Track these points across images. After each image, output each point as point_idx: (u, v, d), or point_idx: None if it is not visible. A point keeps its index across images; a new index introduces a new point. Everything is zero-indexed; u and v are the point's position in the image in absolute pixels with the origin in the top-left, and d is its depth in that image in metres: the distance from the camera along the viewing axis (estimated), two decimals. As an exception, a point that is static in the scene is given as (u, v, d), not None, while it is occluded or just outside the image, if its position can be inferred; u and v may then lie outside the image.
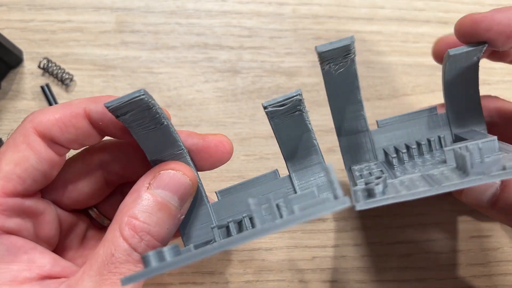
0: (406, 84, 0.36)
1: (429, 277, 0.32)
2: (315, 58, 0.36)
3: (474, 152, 0.20)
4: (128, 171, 0.25)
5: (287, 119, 0.23)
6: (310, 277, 0.31)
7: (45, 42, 0.35)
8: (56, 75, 0.34)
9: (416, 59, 0.37)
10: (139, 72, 0.35)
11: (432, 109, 0.27)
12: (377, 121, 0.27)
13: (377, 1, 0.38)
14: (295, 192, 0.25)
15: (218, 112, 0.34)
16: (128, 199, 0.21)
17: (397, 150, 0.26)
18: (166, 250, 0.17)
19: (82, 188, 0.24)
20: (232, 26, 0.36)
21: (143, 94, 0.20)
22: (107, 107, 0.20)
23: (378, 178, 0.20)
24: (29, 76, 0.34)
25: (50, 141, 0.22)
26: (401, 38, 0.37)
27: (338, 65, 0.23)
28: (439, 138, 0.26)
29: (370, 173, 0.25)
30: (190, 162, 0.23)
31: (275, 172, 0.25)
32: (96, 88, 0.34)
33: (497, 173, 0.17)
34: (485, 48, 0.23)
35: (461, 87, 0.25)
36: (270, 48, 0.36)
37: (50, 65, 0.34)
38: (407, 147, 0.26)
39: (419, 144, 0.26)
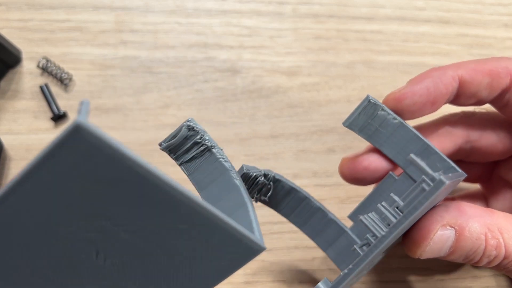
0: (406, 83, 0.36)
1: (430, 278, 0.31)
2: (315, 57, 0.36)
3: (393, 211, 0.20)
4: None
5: (199, 162, 0.20)
6: (311, 278, 0.31)
7: (44, 42, 0.35)
8: (55, 74, 0.34)
9: (417, 59, 0.36)
10: (139, 71, 0.35)
11: (389, 177, 0.24)
12: (348, 217, 0.26)
13: (378, 1, 0.37)
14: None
15: (218, 112, 0.34)
16: None
17: (366, 243, 0.24)
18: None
19: None
20: (232, 25, 0.36)
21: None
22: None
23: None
24: (28, 76, 0.34)
25: None
26: (401, 38, 0.37)
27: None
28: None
29: None
30: None
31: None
32: (95, 88, 0.34)
33: (397, 221, 0.18)
34: (370, 100, 0.23)
35: (400, 145, 0.23)
36: (270, 48, 0.36)
37: (49, 64, 0.33)
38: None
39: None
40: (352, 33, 0.37)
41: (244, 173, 0.21)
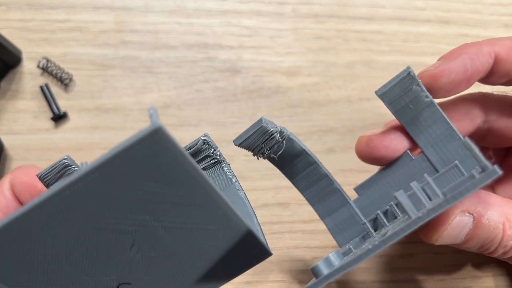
0: (406, 83, 0.36)
1: (430, 278, 0.32)
2: (315, 57, 0.36)
3: (424, 192, 0.19)
4: None
5: (208, 174, 0.21)
6: (311, 278, 0.31)
7: (44, 42, 0.35)
8: (55, 75, 0.34)
9: (417, 59, 0.36)
10: (139, 71, 0.35)
11: (406, 156, 0.24)
12: (354, 189, 0.25)
13: (378, 1, 0.37)
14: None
15: (218, 112, 0.34)
16: None
17: (374, 218, 0.24)
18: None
19: None
20: (232, 25, 0.36)
21: (65, 158, 0.20)
22: (38, 177, 0.21)
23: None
24: (28, 76, 0.34)
25: (15, 195, 0.23)
26: (401, 38, 0.37)
27: (271, 149, 0.22)
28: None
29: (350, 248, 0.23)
30: None
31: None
32: (95, 88, 0.34)
33: (437, 204, 0.16)
34: (410, 72, 0.22)
35: (424, 124, 0.23)
36: (270, 48, 0.36)
37: (49, 64, 0.34)
38: (385, 212, 0.24)
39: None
40: (352, 33, 0.37)
41: (262, 126, 0.21)
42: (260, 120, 0.21)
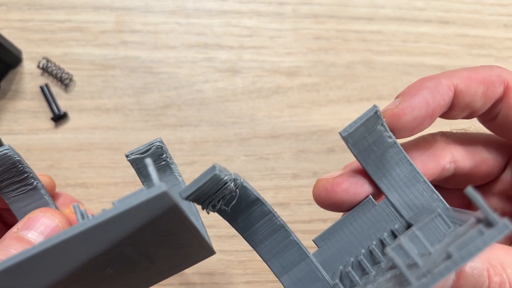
0: (406, 84, 0.36)
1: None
2: (315, 57, 0.36)
3: (413, 246, 0.16)
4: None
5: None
6: (310, 278, 0.31)
7: (45, 42, 0.35)
8: (55, 75, 0.34)
9: (416, 59, 0.37)
10: (139, 72, 0.35)
11: (368, 202, 0.22)
12: (313, 240, 0.22)
13: (378, 1, 0.37)
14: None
15: (218, 112, 0.34)
16: None
17: (341, 275, 0.21)
18: None
19: None
20: (232, 25, 0.36)
21: (7, 149, 0.20)
22: None
23: None
24: (28, 76, 0.34)
25: None
26: (401, 38, 0.37)
27: (223, 200, 0.20)
28: (392, 232, 0.21)
29: None
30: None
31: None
32: (95, 88, 0.34)
33: (443, 266, 0.14)
34: (377, 111, 0.20)
35: (387, 167, 0.22)
36: (270, 48, 0.36)
37: (49, 65, 0.34)
38: (352, 265, 0.21)
39: (371, 252, 0.21)
40: (352, 33, 0.37)
41: (215, 175, 0.18)
42: (214, 168, 0.18)
